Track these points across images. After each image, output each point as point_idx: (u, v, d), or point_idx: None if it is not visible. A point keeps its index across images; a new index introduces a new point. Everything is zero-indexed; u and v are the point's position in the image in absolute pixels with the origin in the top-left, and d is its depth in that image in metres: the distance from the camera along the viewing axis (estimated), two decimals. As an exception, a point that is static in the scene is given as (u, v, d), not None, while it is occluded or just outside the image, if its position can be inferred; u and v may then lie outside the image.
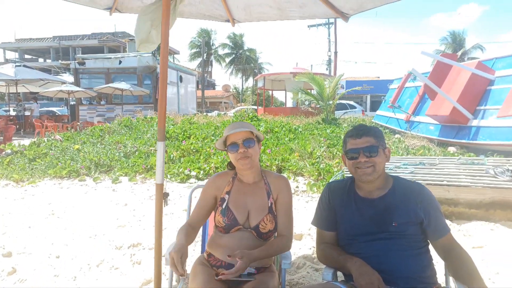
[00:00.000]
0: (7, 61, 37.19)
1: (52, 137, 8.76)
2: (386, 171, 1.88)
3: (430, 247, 1.82)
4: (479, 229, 3.76)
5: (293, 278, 2.97)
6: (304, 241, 3.63)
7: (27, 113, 18.99)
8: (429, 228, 1.76)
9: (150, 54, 17.65)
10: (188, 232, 1.93)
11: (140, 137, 8.47)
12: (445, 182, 4.09)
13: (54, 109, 26.86)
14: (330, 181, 5.21)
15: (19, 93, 24.81)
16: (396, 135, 9.06)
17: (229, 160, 2.07)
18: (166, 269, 2.47)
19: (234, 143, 1.92)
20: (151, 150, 7.46)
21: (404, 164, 4.83)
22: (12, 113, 20.33)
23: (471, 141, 7.17)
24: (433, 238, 1.77)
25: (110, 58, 18.21)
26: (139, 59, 17.68)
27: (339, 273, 1.90)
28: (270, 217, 1.93)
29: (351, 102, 21.10)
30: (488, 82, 7.46)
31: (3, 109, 26.14)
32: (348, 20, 2.96)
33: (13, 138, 11.38)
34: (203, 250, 2.48)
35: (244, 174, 2.00)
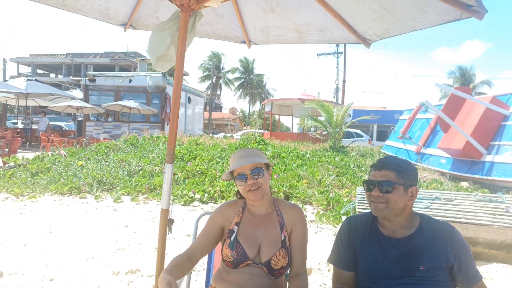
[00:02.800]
0: (20, 75, 37.80)
1: (57, 152, 8.66)
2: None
3: None
4: (501, 272, 3.51)
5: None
6: (314, 277, 3.39)
7: (34, 126, 19.04)
8: (459, 274, 1.58)
9: (160, 74, 17.82)
10: (182, 264, 1.71)
11: (145, 156, 8.34)
12: (463, 220, 3.88)
13: (61, 123, 27.01)
14: (343, 212, 5.01)
15: (29, 106, 25.05)
16: (406, 167, 8.85)
17: (237, 189, 1.90)
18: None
19: (242, 173, 1.75)
20: (155, 169, 7.31)
21: (419, 198, 4.62)
22: (20, 125, 20.41)
23: (485, 177, 6.94)
24: (464, 285, 1.59)
25: (121, 76, 18.39)
26: (150, 79, 17.82)
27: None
28: (284, 252, 1.75)
29: (358, 131, 20.98)
30: (503, 117, 7.31)
31: (12, 121, 26.30)
32: (370, 46, 2.85)
33: (18, 151, 11.34)
34: (207, 284, 2.28)
35: (255, 205, 1.83)
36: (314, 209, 5.63)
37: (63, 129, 23.21)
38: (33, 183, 6.67)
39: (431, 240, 1.62)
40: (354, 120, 13.13)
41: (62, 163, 7.85)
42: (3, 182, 6.74)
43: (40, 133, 16.80)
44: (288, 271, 1.83)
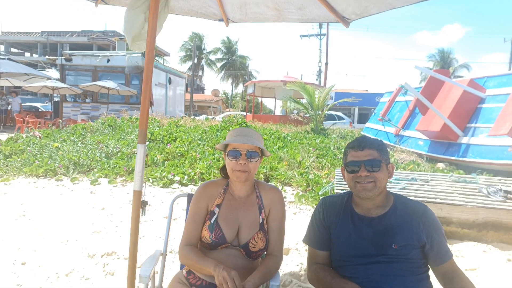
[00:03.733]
0: (-6, 53, 36.22)
1: (31, 134, 8.38)
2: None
3: (430, 272, 1.67)
4: (472, 250, 3.62)
5: (279, 298, 2.76)
6: (291, 257, 3.42)
7: (9, 107, 18.37)
8: (431, 252, 1.61)
9: (140, 54, 17.33)
10: (197, 251, 1.73)
11: (123, 138, 8.17)
12: (438, 200, 3.96)
13: (38, 104, 26.17)
14: (321, 193, 5.05)
15: (3, 87, 24.08)
16: (385, 149, 8.97)
17: (222, 166, 1.88)
18: (140, 284, 2.24)
19: (237, 150, 1.73)
20: (134, 152, 7.17)
21: (395, 179, 4.70)
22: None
23: (460, 158, 7.11)
24: (435, 263, 1.63)
25: (99, 56, 17.81)
26: (128, 59, 17.32)
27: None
28: (261, 234, 1.76)
29: (339, 113, 21.15)
30: (479, 100, 7.45)
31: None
32: (349, 26, 2.81)
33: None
34: (182, 266, 2.26)
35: (237, 186, 1.82)
36: (293, 190, 5.66)
37: (39, 110, 22.51)
38: (6, 166, 6.46)
39: (404, 219, 1.64)
40: (335, 102, 13.20)
41: (36, 145, 7.61)
42: (-26, 164, 6.50)
43: (15, 114, 16.23)
44: (265, 254, 1.84)
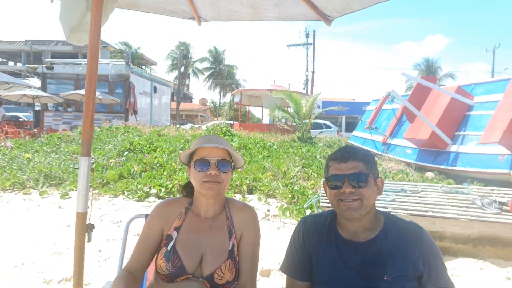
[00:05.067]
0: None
1: (2, 144, 7.92)
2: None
3: None
4: (468, 267, 3.35)
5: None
6: (272, 279, 3.10)
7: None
8: (428, 284, 1.34)
9: (124, 62, 16.99)
10: (129, 282, 1.41)
11: (100, 148, 7.77)
12: (430, 213, 3.70)
13: (20, 114, 25.49)
14: (306, 206, 4.75)
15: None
16: (373, 158, 8.75)
17: (184, 183, 1.58)
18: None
19: (205, 159, 1.45)
20: (110, 162, 6.79)
21: (385, 190, 4.43)
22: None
23: (450, 167, 6.91)
24: None
25: (81, 64, 17.37)
26: (112, 67, 16.93)
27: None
28: (230, 263, 1.46)
29: (327, 122, 21.04)
30: (467, 107, 7.30)
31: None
32: (331, 24, 2.54)
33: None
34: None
35: (203, 204, 1.52)
36: (278, 202, 5.35)
37: (20, 119, 21.84)
38: (-30, 178, 6.01)
39: (397, 244, 1.36)
40: (321, 110, 13.02)
41: (7, 155, 7.16)
42: None
43: (-7, 124, 15.62)
44: (235, 285, 1.51)
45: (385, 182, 5.41)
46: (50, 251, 3.55)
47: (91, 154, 1.77)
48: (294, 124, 13.35)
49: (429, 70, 43.86)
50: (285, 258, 1.55)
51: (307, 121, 12.12)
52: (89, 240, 1.85)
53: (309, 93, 26.59)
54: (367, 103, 12.47)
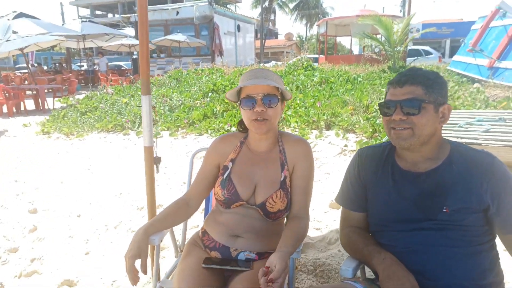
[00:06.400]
0: (80, 18, 38.96)
1: (104, 91, 8.89)
2: (447, 132, 1.25)
3: (497, 240, 1.26)
4: None
5: (321, 257, 2.50)
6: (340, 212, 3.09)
7: (96, 67, 19.88)
8: (498, 217, 1.20)
9: (207, 3, 17.07)
10: (177, 211, 1.56)
11: (187, 90, 8.23)
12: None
13: (121, 63, 27.91)
14: (385, 140, 4.50)
15: (92, 48, 26.00)
16: (475, 84, 7.72)
17: (240, 119, 1.61)
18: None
19: (251, 96, 1.44)
20: (196, 103, 7.18)
21: (478, 120, 3.92)
22: (84, 67, 21.41)
23: None
24: (503, 231, 1.22)
25: (167, 9, 17.97)
26: (196, 9, 17.20)
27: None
28: (282, 193, 1.49)
29: (427, 48, 18.83)
30: None
31: (78, 64, 27.77)
32: None
33: (82, 92, 11.88)
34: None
35: (256, 140, 1.56)
36: (357, 137, 5.15)
37: (122, 68, 24.00)
38: (82, 122, 6.95)
39: (462, 175, 1.23)
40: (414, 35, 11.61)
41: (108, 101, 8.05)
42: (56, 122, 7.11)
43: (100, 73, 17.50)
44: (288, 215, 1.57)
45: (483, 111, 4.78)
46: (143, 183, 4.01)
47: (150, 93, 1.87)
48: (385, 52, 12.27)
49: None
50: (340, 189, 1.53)
51: (400, 48, 11.01)
52: (157, 171, 2.02)
53: (406, 16, 23.86)
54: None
